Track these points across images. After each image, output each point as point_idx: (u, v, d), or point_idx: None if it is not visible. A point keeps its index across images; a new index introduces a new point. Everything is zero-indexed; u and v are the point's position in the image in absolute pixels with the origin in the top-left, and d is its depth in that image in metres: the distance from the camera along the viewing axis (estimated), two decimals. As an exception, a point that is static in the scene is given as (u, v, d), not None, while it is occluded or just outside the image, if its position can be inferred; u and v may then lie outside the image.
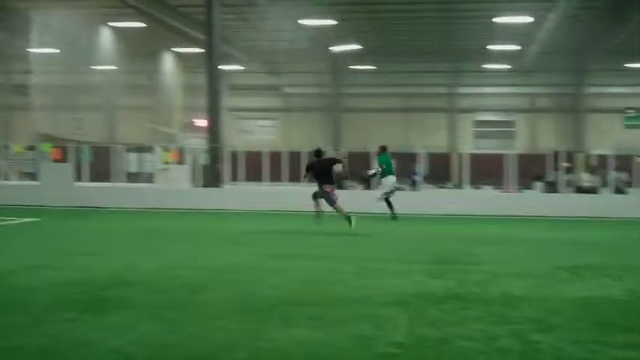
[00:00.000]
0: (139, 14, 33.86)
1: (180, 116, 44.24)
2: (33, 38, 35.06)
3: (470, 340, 6.34)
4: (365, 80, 46.14)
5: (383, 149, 20.35)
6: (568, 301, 8.15)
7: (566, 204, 22.67)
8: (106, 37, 37.52)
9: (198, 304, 7.83)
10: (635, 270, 10.97)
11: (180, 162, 25.90)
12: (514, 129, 47.34)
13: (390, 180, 20.00)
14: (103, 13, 35.22)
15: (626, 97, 43.54)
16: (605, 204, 22.68)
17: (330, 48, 39.47)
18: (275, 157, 25.84)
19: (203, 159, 25.57)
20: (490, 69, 44.28)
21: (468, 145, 44.33)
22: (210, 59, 26.38)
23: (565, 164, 26.05)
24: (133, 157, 27.07)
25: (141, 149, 28.69)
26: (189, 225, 17.85)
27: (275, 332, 6.59)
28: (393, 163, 20.45)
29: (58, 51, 37.22)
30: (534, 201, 23.34)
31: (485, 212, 21.80)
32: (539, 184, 26.48)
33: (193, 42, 36.51)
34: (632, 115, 41.25)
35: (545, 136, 44.82)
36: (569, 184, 25.47)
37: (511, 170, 24.65)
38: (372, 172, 20.76)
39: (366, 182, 24.90)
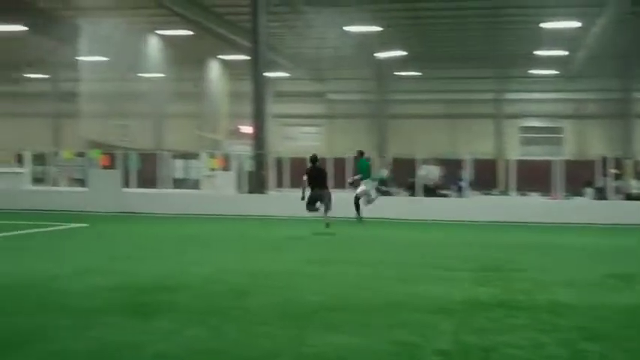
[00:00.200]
0: (186, 22, 34.21)
1: (226, 123, 44.55)
2: (82, 46, 35.61)
3: (516, 348, 6.26)
4: (410, 86, 45.96)
5: (360, 154, 20.60)
6: (617, 310, 8.00)
7: (614, 211, 22.28)
8: (153, 45, 37.98)
9: (242, 309, 7.87)
10: (687, 278, 10.74)
11: (226, 168, 26.08)
12: (561, 135, 46.68)
13: (367, 185, 20.22)
14: (150, 21, 35.67)
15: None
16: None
17: (375, 54, 39.41)
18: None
19: (248, 165, 25.71)
20: (537, 74, 43.76)
21: (515, 152, 43.81)
22: (256, 66, 26.53)
23: (614, 171, 25.60)
24: (179, 163, 27.33)
25: (187, 156, 28.97)
26: (234, 231, 17.95)
27: (318, 338, 6.58)
28: (372, 167, 20.99)
29: (106, 59, 37.78)
30: (582, 208, 22.98)
31: (532, 219, 21.52)
32: (589, 191, 26.05)
33: (239, 49, 36.76)
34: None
35: (593, 142, 44.12)
36: (617, 190, 25.02)
37: (559, 177, 24.32)
38: (351, 180, 20.96)
39: (411, 189, 24.79)
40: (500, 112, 46.26)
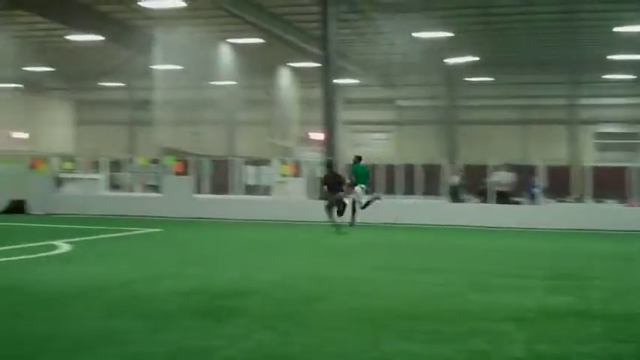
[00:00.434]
0: (257, 30, 34.60)
1: (297, 130, 44.84)
2: (156, 55, 36.35)
3: (592, 358, 6.13)
4: (481, 92, 45.46)
5: (358, 159, 20.69)
6: (698, 321, 7.76)
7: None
8: (225, 53, 38.50)
9: (311, 315, 7.90)
10: None
11: (297, 175, 26.21)
12: (638, 141, 45.46)
13: (357, 189, 20.11)
14: (222, 30, 36.18)
15: None
16: None
17: (445, 60, 39.12)
18: (389, 170, 25.76)
19: (319, 172, 25.79)
20: (612, 79, 42.76)
21: (590, 158, 42.86)
22: (326, 73, 26.65)
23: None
24: (251, 170, 27.58)
25: (259, 162, 29.22)
26: (303, 237, 18.02)
27: (390, 345, 6.55)
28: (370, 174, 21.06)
29: (179, 67, 38.48)
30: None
31: (607, 227, 20.99)
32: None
33: (309, 57, 36.97)
34: None
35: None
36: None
37: (636, 183, 23.67)
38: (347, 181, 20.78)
39: (483, 196, 24.47)
40: (574, 118, 45.33)
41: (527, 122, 45.92)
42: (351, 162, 21.10)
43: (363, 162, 20.80)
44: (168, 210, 23.44)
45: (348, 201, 19.81)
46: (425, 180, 24.99)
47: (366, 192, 20.44)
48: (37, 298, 8.65)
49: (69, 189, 25.98)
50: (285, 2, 31.28)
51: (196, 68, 38.13)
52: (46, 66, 45.13)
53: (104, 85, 52.02)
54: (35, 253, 13.25)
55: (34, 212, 24.14)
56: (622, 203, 25.16)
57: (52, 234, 16.92)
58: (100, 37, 35.76)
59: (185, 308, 8.11)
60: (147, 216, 23.05)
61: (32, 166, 26.58)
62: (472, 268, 12.13)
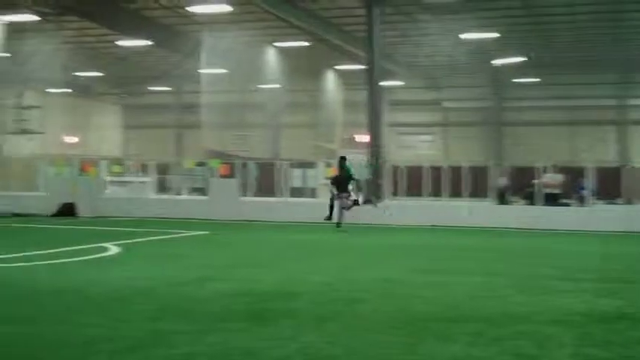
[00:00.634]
0: (303, 34, 34.73)
1: (342, 132, 44.86)
2: (203, 60, 36.71)
3: (641, 363, 6.06)
4: (528, 93, 44.96)
5: (343, 160, 20.88)
6: None
7: None
8: (270, 56, 38.71)
9: (356, 317, 7.94)
10: None
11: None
12: (691, 141, 44.52)
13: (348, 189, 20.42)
14: (268, 33, 36.38)
15: None
16: None
17: (491, 61, 38.79)
18: (436, 171, 25.65)
19: (365, 174, 25.79)
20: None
21: (640, 159, 42.09)
22: (371, 75, 26.64)
23: None
24: (296, 172, 27.69)
25: (304, 165, 29.34)
26: (349, 239, 18.02)
27: (431, 348, 6.56)
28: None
29: (225, 71, 38.80)
30: None
31: (658, 229, 20.61)
32: None
33: (354, 59, 36.99)
34: None
35: None
36: None
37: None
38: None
39: (529, 198, 24.22)
40: (624, 118, 44.58)
41: (576, 123, 45.27)
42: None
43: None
44: (214, 212, 23.65)
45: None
46: (471, 182, 24.82)
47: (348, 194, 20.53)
48: (88, 300, 8.83)
49: (118, 192, 26.38)
50: (331, 5, 31.33)
51: (242, 72, 38.42)
52: (96, 71, 45.92)
53: (152, 90, 52.71)
54: (86, 255, 13.51)
55: (84, 215, 24.58)
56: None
57: (102, 236, 17.21)
58: (148, 42, 36.27)
59: (232, 310, 8.20)
60: (193, 218, 23.29)
61: (82, 170, 27.05)
62: (517, 270, 12.03)
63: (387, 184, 26.33)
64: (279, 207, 23.96)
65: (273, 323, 7.49)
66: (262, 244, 16.97)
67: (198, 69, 38.31)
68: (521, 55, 36.70)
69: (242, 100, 44.88)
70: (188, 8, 29.68)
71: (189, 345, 6.59)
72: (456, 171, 25.04)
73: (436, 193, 25.32)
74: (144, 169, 29.40)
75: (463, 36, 32.83)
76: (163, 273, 11.25)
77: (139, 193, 26.75)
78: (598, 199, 25.00)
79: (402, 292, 9.65)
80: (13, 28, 29.79)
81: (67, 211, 24.74)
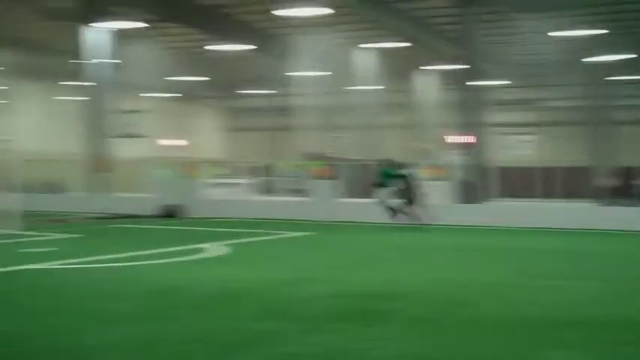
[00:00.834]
0: (397, 34, 34.75)
1: (437, 133, 44.60)
2: (298, 62, 37.20)
3: None
4: (630, 91, 43.58)
5: (387, 162, 22.13)
6: None
7: None
8: (364, 57, 38.85)
9: (458, 320, 7.98)
10: None
11: (439, 178, 26.14)
12: None
13: (383, 191, 21.16)
14: (362, 35, 36.55)
15: None
16: None
17: (589, 59, 37.80)
18: (531, 172, 25.28)
19: (462, 175, 25.64)
20: None
21: None
22: (466, 75, 26.46)
23: None
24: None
25: (400, 166, 29.30)
26: (448, 240, 17.99)
27: (543, 353, 6.53)
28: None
29: (320, 73, 39.19)
30: None
31: None
32: None
33: (449, 59, 36.76)
34: None
35: None
36: None
37: None
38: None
39: (634, 198, 23.53)
40: None
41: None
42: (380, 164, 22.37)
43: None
44: (313, 214, 23.94)
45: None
46: (569, 182, 24.33)
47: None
48: (192, 300, 9.13)
49: (219, 193, 27.05)
50: (425, 5, 31.26)
51: (337, 74, 38.73)
52: (199, 75, 47.13)
53: (251, 93, 53.69)
54: (189, 256, 13.91)
55: (187, 216, 25.34)
56: None
57: (205, 237, 17.65)
58: (247, 47, 37.05)
59: (333, 311, 8.35)
60: (293, 220, 23.58)
61: (185, 172, 27.87)
62: (629, 274, 11.78)
63: (484, 185, 26.10)
64: (376, 208, 24.07)
65: (375, 324, 7.60)
66: (362, 245, 17.11)
67: (295, 72, 38.84)
68: (623, 52, 35.67)
69: (337, 101, 45.20)
70: (285, 12, 30.19)
71: (292, 345, 6.78)
72: (549, 172, 24.58)
73: (533, 193, 24.95)
74: (244, 171, 30.03)
75: (559, 33, 32.18)
76: (266, 273, 11.51)
77: (241, 195, 27.36)
78: None
79: (509, 295, 9.60)
80: (120, 35, 30.98)
81: (172, 212, 25.57)
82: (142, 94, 39.67)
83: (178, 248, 15.19)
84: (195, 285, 10.22)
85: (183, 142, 51.25)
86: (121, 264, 12.81)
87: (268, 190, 30.80)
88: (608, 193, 24.81)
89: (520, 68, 42.26)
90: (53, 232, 18.89)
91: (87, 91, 30.30)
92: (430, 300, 9.18)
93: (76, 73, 39.59)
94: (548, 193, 24.19)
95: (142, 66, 36.97)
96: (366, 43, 37.44)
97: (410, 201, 20.81)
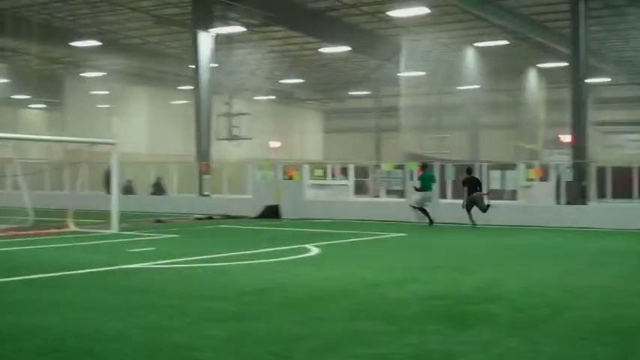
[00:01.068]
0: (503, 32, 34.02)
1: (544, 132, 43.45)
2: (401, 63, 36.92)
3: None
4: None
5: (424, 167, 23.48)
6: None
7: None
8: (469, 57, 38.22)
9: (561, 323, 7.63)
10: None
11: (544, 179, 25.37)
12: None
13: (420, 194, 22.71)
14: (467, 34, 35.98)
15: None
16: None
17: None
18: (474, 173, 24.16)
19: (568, 175, 24.79)
20: None
21: None
22: (576, 73, 25.65)
23: None
24: (495, 174, 27.07)
25: (503, 166, 28.64)
26: (553, 243, 17.41)
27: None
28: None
29: (424, 73, 38.77)
30: None
31: None
32: None
33: (557, 56, 35.71)
34: None
35: None
36: None
37: None
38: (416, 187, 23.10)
39: None
40: None
41: None
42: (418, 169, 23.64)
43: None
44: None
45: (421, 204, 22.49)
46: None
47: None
48: (292, 299, 9.08)
49: (319, 194, 27.08)
50: (532, 2, 30.47)
51: (441, 73, 38.25)
52: (299, 78, 47.53)
53: (352, 94, 53.76)
54: (289, 256, 13.97)
55: (286, 217, 25.46)
56: None
57: (304, 237, 17.73)
58: (348, 48, 37.05)
59: (430, 312, 8.15)
60: (392, 220, 23.43)
61: (286, 173, 28.05)
62: None
63: (592, 185, 25.20)
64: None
65: (473, 327, 7.36)
66: (461, 246, 16.75)
67: (397, 72, 38.59)
68: None
69: (440, 101, 44.68)
70: (388, 13, 30.01)
71: (386, 345, 6.61)
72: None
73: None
74: (344, 172, 29.98)
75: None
76: (362, 274, 11.38)
77: (339, 196, 27.31)
78: None
79: (612, 299, 9.17)
80: (221, 40, 31.48)
81: (271, 213, 25.74)
82: (245, 97, 40.26)
83: (278, 248, 15.28)
84: (290, 285, 10.19)
85: (284, 144, 51.80)
86: (218, 264, 12.93)
87: (367, 191, 30.65)
88: None
89: (633, 64, 40.71)
90: (154, 233, 19.30)
91: (193, 94, 30.92)
92: (531, 303, 8.82)
93: (183, 78, 40.65)
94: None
95: (246, 69, 37.51)
96: (471, 41, 36.84)
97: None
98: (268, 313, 8.13)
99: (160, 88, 47.66)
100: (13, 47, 36.80)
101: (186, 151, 35.89)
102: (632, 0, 28.84)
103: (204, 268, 12.29)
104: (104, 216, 20.30)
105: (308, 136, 57.09)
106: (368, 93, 53.80)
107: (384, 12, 30.98)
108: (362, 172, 31.58)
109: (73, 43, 35.49)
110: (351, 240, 17.86)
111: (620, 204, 24.34)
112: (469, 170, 22.44)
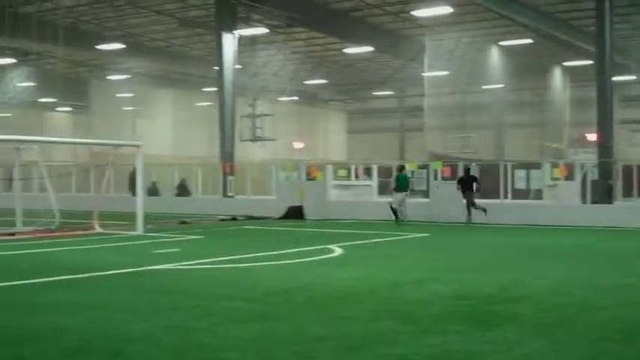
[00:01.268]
0: (527, 31, 33.81)
1: (569, 131, 43.12)
2: (425, 62, 36.80)
3: None
4: None
5: (401, 168, 24.24)
6: None
7: None
8: (493, 56, 38.03)
9: (586, 324, 7.58)
10: None
11: (569, 178, 25.20)
12: None
13: (400, 194, 23.31)
14: (491, 33, 35.82)
15: None
16: None
17: None
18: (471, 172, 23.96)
19: (593, 174, 24.61)
20: None
21: None
22: (601, 71, 25.44)
23: None
24: (520, 173, 26.92)
25: (528, 166, 28.48)
26: (578, 242, 17.30)
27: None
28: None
29: (448, 73, 38.63)
30: None
31: None
32: None
33: (583, 54, 35.44)
34: None
35: None
36: None
37: None
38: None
39: None
40: None
41: None
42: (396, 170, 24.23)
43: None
44: (435, 214, 23.60)
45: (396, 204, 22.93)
46: None
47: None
48: (315, 299, 9.09)
49: (342, 195, 27.08)
50: (557, 0, 30.29)
51: (465, 73, 38.09)
52: (323, 79, 47.55)
53: (375, 95, 53.68)
54: (312, 256, 13.99)
55: (310, 217, 25.47)
56: None
57: (327, 238, 17.73)
58: (371, 48, 37.00)
59: (453, 312, 8.12)
60: (415, 221, 23.37)
61: (309, 174, 28.05)
62: None
63: (618, 184, 25.00)
64: (503, 209, 23.44)
65: (496, 327, 7.32)
66: (485, 246, 16.69)
67: (421, 72, 38.48)
68: None
69: (465, 101, 44.48)
70: (411, 12, 29.95)
71: (409, 345, 6.61)
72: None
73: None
74: (367, 172, 29.95)
75: None
76: (384, 274, 11.38)
77: (363, 196, 27.30)
78: None
79: (636, 298, 9.10)
80: (245, 41, 31.57)
81: (295, 213, 25.76)
82: (269, 99, 40.37)
83: (301, 249, 15.29)
84: (314, 285, 10.20)
85: (308, 145, 51.82)
86: (242, 264, 12.98)
87: (390, 191, 30.61)
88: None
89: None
90: (179, 234, 19.39)
91: (217, 96, 31.06)
92: (556, 303, 8.75)
93: (207, 79, 40.83)
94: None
95: (269, 71, 37.60)
96: (495, 40, 36.67)
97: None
98: (292, 314, 8.15)
99: (184, 90, 47.89)
100: (40, 51, 37.16)
101: (211, 152, 36.06)
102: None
103: (229, 269, 12.35)
104: (129, 217, 20.45)
105: (331, 137, 57.08)
106: (392, 93, 53.69)
107: (407, 12, 30.93)
108: (385, 172, 31.54)
109: (98, 47, 35.80)
110: (374, 240, 17.84)
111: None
112: (466, 170, 23.52)
